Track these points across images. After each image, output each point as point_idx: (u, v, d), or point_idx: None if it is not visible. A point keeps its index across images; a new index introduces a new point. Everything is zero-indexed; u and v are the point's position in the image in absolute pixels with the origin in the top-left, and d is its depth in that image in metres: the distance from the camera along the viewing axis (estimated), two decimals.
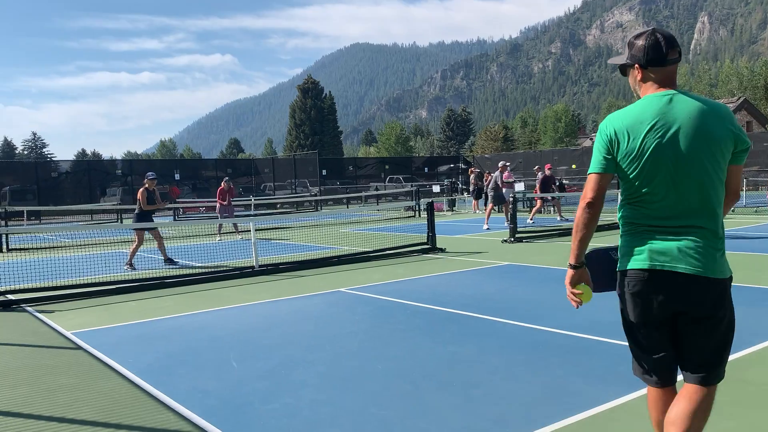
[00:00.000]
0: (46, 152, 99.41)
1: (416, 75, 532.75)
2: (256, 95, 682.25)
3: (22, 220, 25.00)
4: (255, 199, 28.72)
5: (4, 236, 15.42)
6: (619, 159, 2.57)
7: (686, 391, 2.58)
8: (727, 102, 53.21)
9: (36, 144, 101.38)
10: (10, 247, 15.63)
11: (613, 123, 2.60)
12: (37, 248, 15.75)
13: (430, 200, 13.34)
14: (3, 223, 18.30)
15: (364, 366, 4.88)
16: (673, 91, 2.55)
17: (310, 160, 46.82)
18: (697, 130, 2.47)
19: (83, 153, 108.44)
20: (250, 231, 11.15)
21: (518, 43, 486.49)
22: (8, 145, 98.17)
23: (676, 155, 2.48)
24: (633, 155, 2.53)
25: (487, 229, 16.31)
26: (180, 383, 4.63)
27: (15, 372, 5.11)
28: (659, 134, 2.49)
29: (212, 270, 10.16)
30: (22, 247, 16.04)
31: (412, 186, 30.48)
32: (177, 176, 37.78)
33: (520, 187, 22.69)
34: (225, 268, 10.23)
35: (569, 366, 4.66)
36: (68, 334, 6.39)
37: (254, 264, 10.08)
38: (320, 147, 69.38)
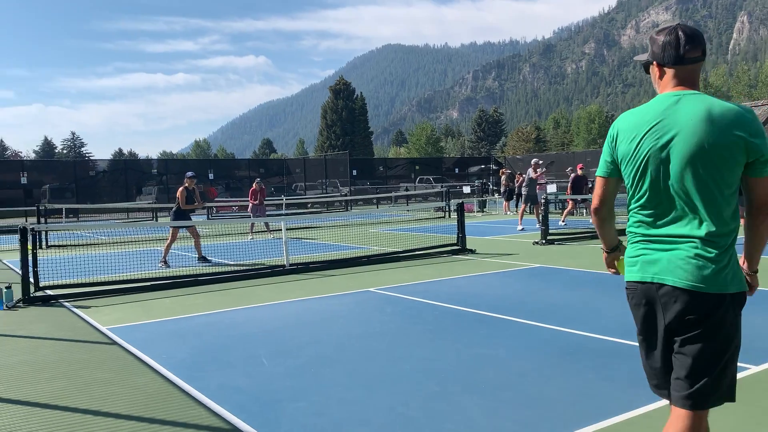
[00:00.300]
0: (84, 151, 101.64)
1: (448, 76, 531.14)
2: (289, 96, 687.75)
3: (61, 217, 25.61)
4: (286, 199, 28.97)
5: (43, 233, 15.83)
6: (619, 160, 2.50)
7: (672, 416, 2.41)
8: (767, 104, 51.70)
9: (75, 143, 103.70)
10: (49, 244, 16.04)
11: (618, 123, 2.54)
12: (74, 245, 16.13)
13: (461, 201, 13.30)
14: (42, 220, 18.80)
15: (392, 366, 4.89)
16: (685, 92, 2.37)
17: (341, 160, 47.02)
18: (697, 136, 2.29)
19: (120, 152, 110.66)
20: (281, 230, 11.26)
21: (551, 44, 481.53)
22: (48, 144, 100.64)
23: (669, 161, 2.34)
24: (629, 157, 2.44)
25: (522, 230, 16.13)
26: (211, 379, 4.70)
27: (52, 365, 5.25)
28: (656, 137, 2.36)
29: (244, 268, 10.28)
30: (60, 243, 16.44)
31: (442, 187, 30.41)
32: (211, 176, 38.34)
33: (552, 188, 22.48)
34: (256, 267, 10.35)
35: (601, 370, 4.61)
36: (104, 329, 6.53)
37: (285, 263, 10.17)
38: (351, 147, 69.61)
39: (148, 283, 8.95)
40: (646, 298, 2.44)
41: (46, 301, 8.19)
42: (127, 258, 11.71)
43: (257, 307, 7.49)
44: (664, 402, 3.87)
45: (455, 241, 12.18)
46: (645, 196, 2.43)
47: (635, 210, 2.48)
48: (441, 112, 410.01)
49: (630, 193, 2.49)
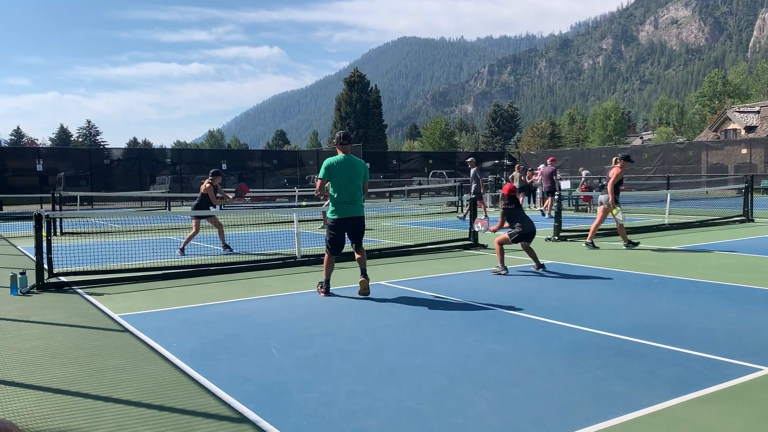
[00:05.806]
0: (99, 140, 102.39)
1: (463, 69, 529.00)
2: (303, 88, 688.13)
3: (76, 205, 25.81)
4: (299, 191, 29.00)
5: (58, 220, 15.96)
6: (331, 174, 7.33)
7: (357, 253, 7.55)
8: None
9: (90, 131, 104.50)
10: (63, 231, 16.17)
11: (331, 160, 7.36)
12: (88, 233, 16.27)
13: (473, 196, 13.24)
14: (57, 207, 18.95)
15: (401, 359, 4.89)
16: (349, 155, 7.57)
17: (354, 152, 46.91)
18: (357, 167, 7.57)
19: (134, 141, 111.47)
20: (292, 222, 11.27)
21: (568, 39, 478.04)
22: (64, 132, 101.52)
23: (354, 175, 7.44)
24: (338, 172, 7.31)
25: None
26: (221, 369, 4.73)
27: (66, 352, 5.30)
28: (348, 166, 7.41)
29: (256, 259, 10.32)
30: (75, 231, 16.58)
31: (455, 181, 30.32)
32: (224, 166, 38.50)
33: (566, 185, 22.35)
34: (268, 258, 10.38)
35: (610, 368, 4.59)
36: (116, 316, 6.59)
37: (296, 254, 10.20)
38: (364, 140, 69.60)
39: (161, 272, 9.01)
40: (348, 223, 7.42)
41: (60, 288, 8.27)
42: (140, 246, 11.79)
43: (268, 298, 7.52)
44: (677, 401, 3.87)
45: (467, 236, 12.15)
46: (339, 186, 7.32)
47: (334, 192, 7.36)
48: (456, 106, 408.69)
49: (335, 187, 7.36)
